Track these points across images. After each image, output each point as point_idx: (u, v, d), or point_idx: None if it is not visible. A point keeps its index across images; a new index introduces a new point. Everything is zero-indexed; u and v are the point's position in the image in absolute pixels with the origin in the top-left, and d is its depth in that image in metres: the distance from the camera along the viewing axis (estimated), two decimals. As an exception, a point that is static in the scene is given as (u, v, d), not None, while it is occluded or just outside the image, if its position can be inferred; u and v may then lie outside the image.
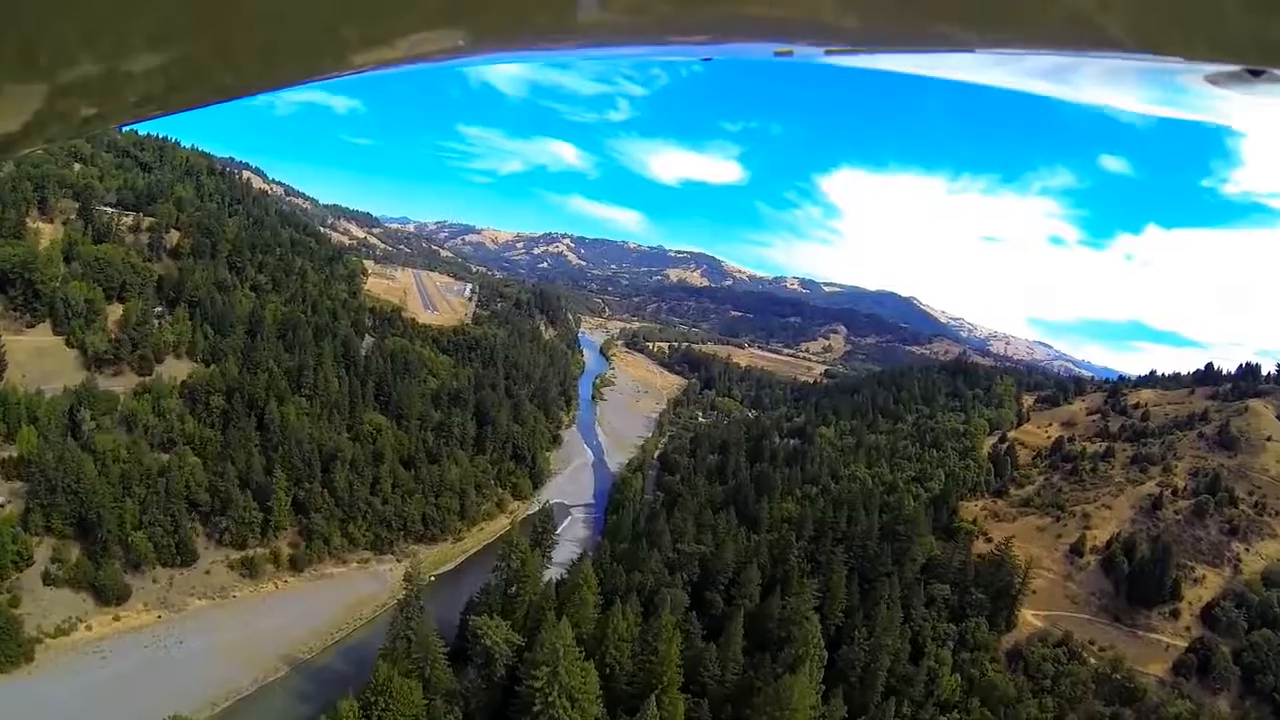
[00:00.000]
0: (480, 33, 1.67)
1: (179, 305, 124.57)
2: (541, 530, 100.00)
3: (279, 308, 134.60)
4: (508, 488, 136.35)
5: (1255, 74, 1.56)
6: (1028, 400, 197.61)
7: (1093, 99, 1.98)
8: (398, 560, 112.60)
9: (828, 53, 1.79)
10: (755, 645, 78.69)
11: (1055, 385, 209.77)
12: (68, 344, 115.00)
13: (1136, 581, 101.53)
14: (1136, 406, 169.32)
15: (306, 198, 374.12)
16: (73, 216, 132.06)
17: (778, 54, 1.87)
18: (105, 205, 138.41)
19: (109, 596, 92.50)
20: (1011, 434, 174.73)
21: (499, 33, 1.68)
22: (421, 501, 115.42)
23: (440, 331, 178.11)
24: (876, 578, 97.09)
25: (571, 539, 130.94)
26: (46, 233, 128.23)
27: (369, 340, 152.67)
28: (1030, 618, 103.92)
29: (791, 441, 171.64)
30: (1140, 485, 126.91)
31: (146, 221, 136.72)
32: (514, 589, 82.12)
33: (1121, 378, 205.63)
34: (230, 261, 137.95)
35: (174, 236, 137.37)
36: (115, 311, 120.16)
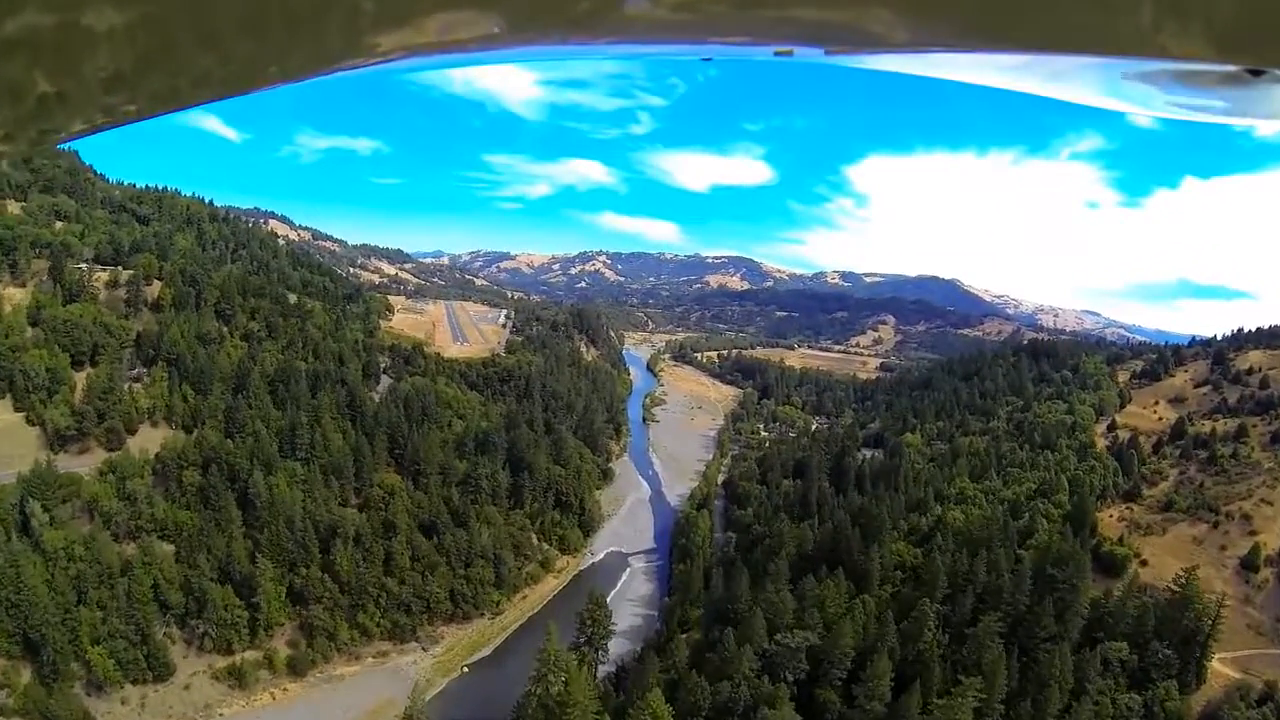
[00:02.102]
0: (518, 19, 1.58)
1: (156, 364, 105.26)
2: (591, 623, 75.54)
3: (275, 356, 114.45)
4: (553, 542, 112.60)
5: (1255, 74, 1.53)
6: (1121, 377, 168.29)
7: (1093, 101, 1.95)
8: (423, 649, 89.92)
9: (828, 53, 1.76)
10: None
11: (1147, 356, 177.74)
12: (28, 421, 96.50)
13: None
14: (1250, 372, 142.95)
15: (335, 240, 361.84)
16: (44, 278, 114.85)
17: (777, 54, 1.84)
18: (82, 262, 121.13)
19: (67, 730, 72.07)
20: (1120, 419, 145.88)
21: (537, 21, 1.60)
22: (448, 575, 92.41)
23: (469, 365, 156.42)
24: (1036, 646, 70.28)
25: (633, 598, 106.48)
26: (16, 298, 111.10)
27: (385, 383, 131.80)
28: (1218, 664, 76.31)
29: (873, 454, 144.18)
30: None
31: (125, 275, 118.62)
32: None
33: (1201, 340, 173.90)
34: (219, 310, 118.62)
35: (156, 288, 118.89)
36: (84, 379, 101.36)
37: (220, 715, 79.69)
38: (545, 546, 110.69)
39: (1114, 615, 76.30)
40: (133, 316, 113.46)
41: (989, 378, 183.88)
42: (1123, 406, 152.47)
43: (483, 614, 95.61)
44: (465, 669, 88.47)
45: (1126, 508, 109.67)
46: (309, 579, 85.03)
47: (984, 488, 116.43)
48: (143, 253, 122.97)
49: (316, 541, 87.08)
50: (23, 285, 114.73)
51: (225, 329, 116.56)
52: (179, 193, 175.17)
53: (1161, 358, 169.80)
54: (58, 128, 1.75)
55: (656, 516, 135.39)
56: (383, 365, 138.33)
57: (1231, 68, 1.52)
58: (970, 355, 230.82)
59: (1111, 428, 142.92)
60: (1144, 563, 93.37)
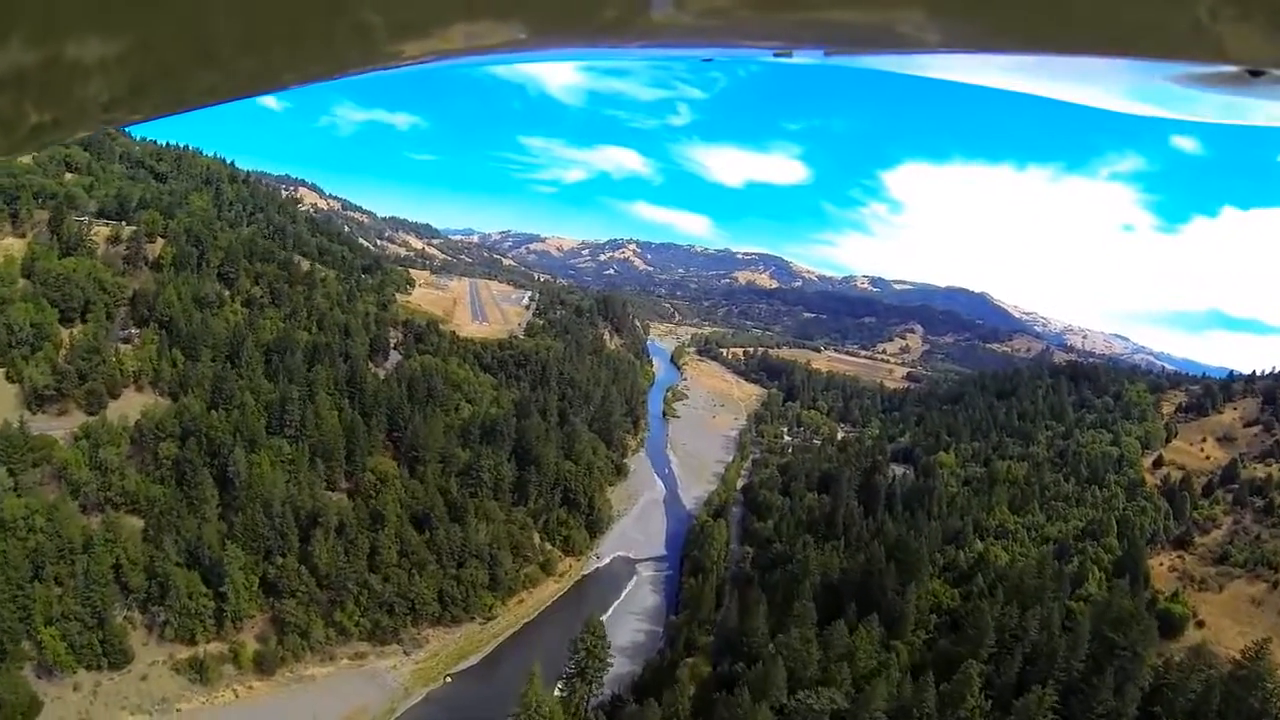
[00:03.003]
0: (542, 26, 1.57)
1: (149, 326, 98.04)
2: (585, 653, 66.22)
3: (277, 324, 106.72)
4: (557, 542, 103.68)
5: (1255, 74, 1.51)
6: (1165, 408, 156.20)
7: (1093, 101, 1.94)
8: (405, 653, 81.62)
9: (827, 54, 1.75)
10: None
11: (1189, 389, 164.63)
12: (8, 378, 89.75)
13: None
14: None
15: (364, 211, 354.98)
16: (44, 229, 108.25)
17: (776, 55, 1.82)
18: (85, 216, 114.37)
19: (10, 712, 65.18)
20: (1166, 455, 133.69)
21: (562, 27, 1.58)
22: (437, 574, 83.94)
23: (484, 345, 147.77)
24: (1093, 721, 59.80)
25: (638, 611, 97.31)
26: (14, 249, 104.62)
27: (394, 359, 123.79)
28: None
29: (903, 471, 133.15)
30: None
31: (128, 231, 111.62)
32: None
33: (1242, 375, 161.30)
34: (222, 273, 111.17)
35: (158, 245, 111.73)
36: (70, 337, 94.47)
37: (178, 710, 72.24)
38: (548, 547, 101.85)
39: (1174, 688, 64.82)
40: (131, 274, 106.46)
41: (1025, 398, 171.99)
42: (1168, 440, 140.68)
43: (473, 618, 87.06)
44: (448, 679, 79.95)
45: (1178, 556, 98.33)
46: (284, 569, 77.02)
47: (1026, 521, 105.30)
48: (149, 209, 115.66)
49: (296, 529, 79.03)
50: (22, 236, 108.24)
51: (228, 293, 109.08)
52: (200, 152, 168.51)
53: (1208, 391, 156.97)
54: (57, 140, 1.73)
55: (670, 520, 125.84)
56: (394, 341, 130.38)
57: (1231, 68, 1.49)
58: (1004, 372, 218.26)
59: (1159, 464, 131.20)
60: (1200, 623, 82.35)
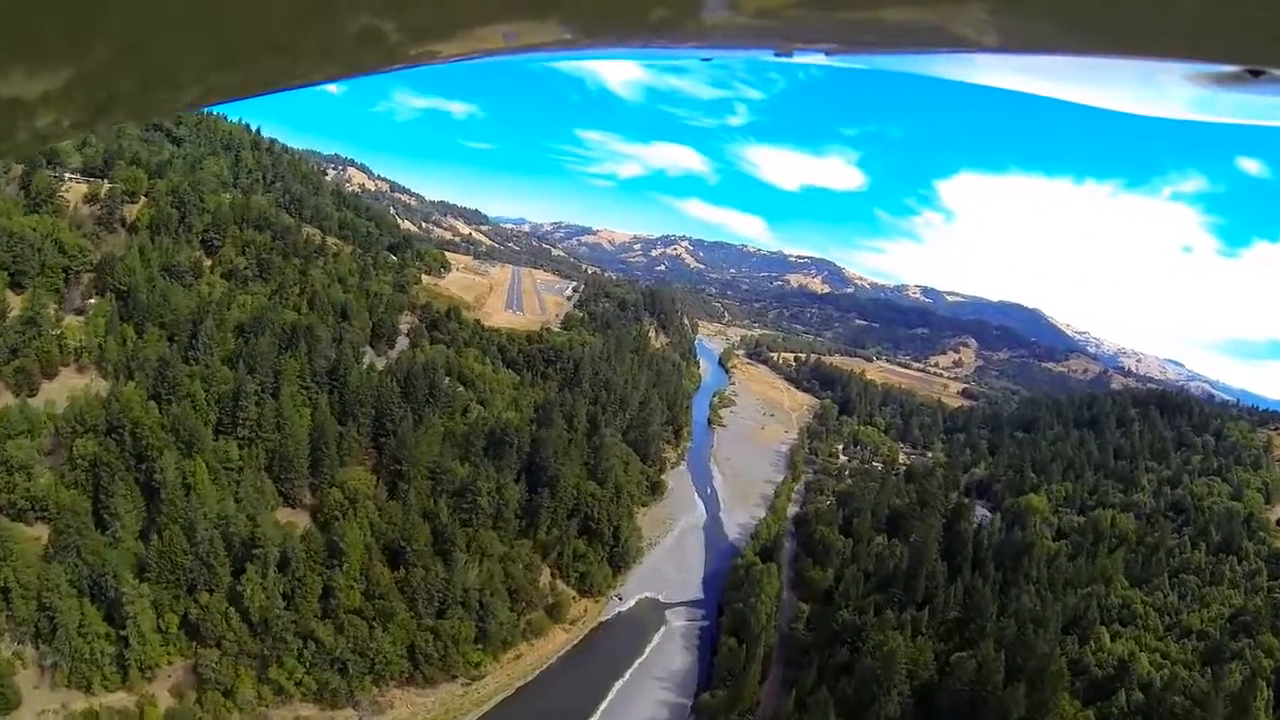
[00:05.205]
0: (588, 25, 1.52)
1: (104, 296, 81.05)
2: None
3: (260, 301, 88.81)
4: (571, 580, 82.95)
5: (1255, 74, 1.47)
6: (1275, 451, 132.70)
7: (1093, 101, 1.90)
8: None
9: (829, 54, 1.72)
10: None
11: None
12: (-67, 350, 73.80)
13: None
14: None
15: (411, 194, 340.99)
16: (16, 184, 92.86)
17: (777, 55, 1.78)
18: (68, 172, 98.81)
19: None
20: None
21: (609, 28, 1.54)
22: (409, 624, 64.03)
23: (510, 337, 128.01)
24: None
25: (663, 676, 75.79)
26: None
27: (402, 346, 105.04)
28: None
29: (986, 515, 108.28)
30: None
31: (105, 189, 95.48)
32: None
33: None
34: (205, 239, 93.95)
35: (140, 204, 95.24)
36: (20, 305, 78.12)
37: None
38: (559, 586, 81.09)
39: None
40: (102, 237, 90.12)
41: (1109, 429, 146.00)
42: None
43: (454, 678, 66.92)
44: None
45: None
46: (208, 610, 58.11)
47: (1155, 601, 79.70)
48: (135, 167, 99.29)
49: (227, 559, 60.02)
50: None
51: (208, 262, 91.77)
52: (225, 117, 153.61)
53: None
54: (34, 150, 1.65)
55: (710, 553, 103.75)
56: (405, 327, 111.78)
57: (1231, 68, 1.46)
58: (1081, 397, 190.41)
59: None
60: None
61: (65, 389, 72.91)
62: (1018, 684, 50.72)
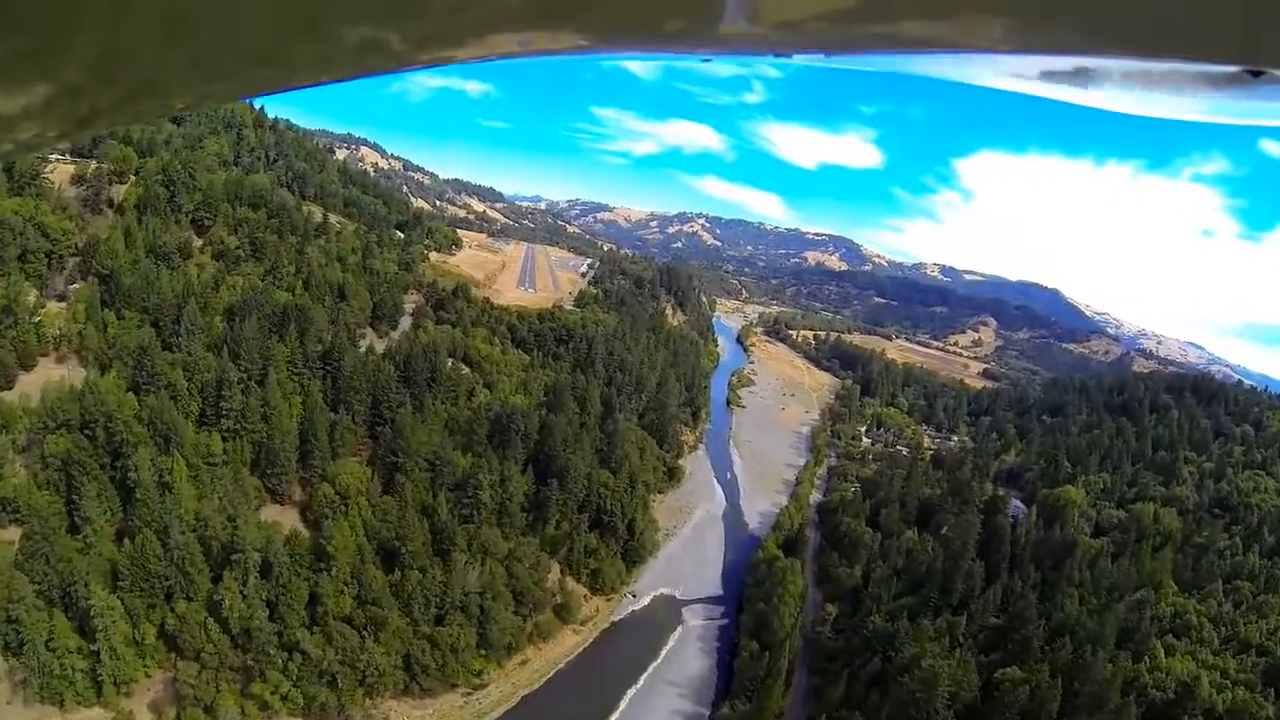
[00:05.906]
0: (602, 31, 1.51)
1: (87, 280, 76.05)
2: None
3: (253, 281, 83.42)
4: (582, 577, 77.52)
5: (1255, 74, 1.46)
6: None
7: (1092, 101, 1.88)
8: (353, 735, 57.33)
9: (828, 55, 1.72)
10: None
11: None
12: (-94, 341, 69.35)
13: None
14: None
15: (425, 172, 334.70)
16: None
17: (778, 56, 1.79)
18: (54, 153, 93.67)
19: None
20: None
21: (624, 35, 1.52)
22: (405, 632, 58.95)
23: (521, 316, 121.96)
24: None
25: (679, 682, 70.30)
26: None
27: (405, 327, 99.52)
28: None
29: (1017, 506, 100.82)
30: None
31: (93, 169, 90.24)
32: None
33: None
34: (196, 219, 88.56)
35: (129, 184, 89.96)
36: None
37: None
38: (569, 584, 75.66)
39: None
40: (89, 220, 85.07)
41: (1140, 415, 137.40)
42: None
43: (454, 687, 61.95)
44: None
45: None
46: (185, 620, 53.35)
47: (1208, 610, 72.23)
48: (123, 146, 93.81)
49: (205, 564, 55.11)
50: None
51: (198, 242, 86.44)
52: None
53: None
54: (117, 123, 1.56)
55: (729, 544, 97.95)
56: (410, 307, 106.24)
57: (1231, 68, 1.44)
58: (1110, 380, 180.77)
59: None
60: None
61: (43, 380, 68.32)
62: (1075, 715, 44.29)
